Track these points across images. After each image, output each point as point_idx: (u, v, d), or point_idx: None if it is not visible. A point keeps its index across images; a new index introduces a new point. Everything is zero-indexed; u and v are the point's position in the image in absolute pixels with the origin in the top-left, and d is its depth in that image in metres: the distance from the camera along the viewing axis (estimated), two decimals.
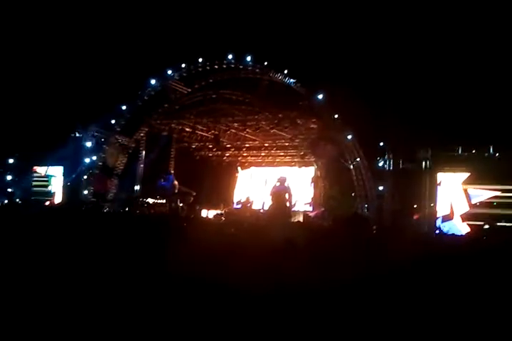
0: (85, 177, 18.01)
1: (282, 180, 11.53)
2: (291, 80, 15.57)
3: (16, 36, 18.91)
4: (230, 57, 16.64)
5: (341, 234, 7.16)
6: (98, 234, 6.56)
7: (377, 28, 17.26)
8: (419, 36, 16.82)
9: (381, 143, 15.84)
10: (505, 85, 15.31)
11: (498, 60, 15.75)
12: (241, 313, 3.46)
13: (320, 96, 15.49)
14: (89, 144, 18.11)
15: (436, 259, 5.18)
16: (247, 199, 17.07)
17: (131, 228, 7.76)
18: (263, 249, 5.52)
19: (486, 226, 12.64)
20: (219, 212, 16.66)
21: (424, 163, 15.14)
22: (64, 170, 19.77)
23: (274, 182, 11.86)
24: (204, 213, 16.90)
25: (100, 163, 18.37)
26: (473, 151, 14.75)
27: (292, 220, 12.85)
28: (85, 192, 18.02)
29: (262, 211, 15.28)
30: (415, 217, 14.69)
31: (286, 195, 11.32)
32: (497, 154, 14.31)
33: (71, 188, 18.69)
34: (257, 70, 16.22)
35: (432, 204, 14.82)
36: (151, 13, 19.38)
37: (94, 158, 18.20)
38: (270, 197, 11.47)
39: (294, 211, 14.00)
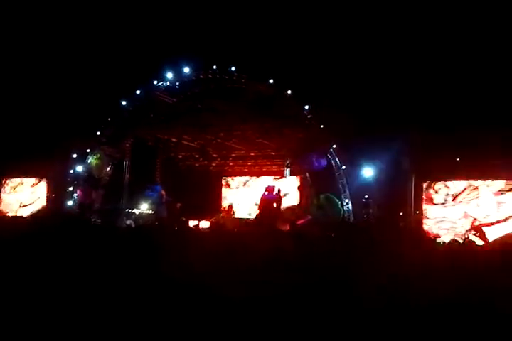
0: (70, 188, 17.85)
1: (271, 189, 11.56)
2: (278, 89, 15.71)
3: None
4: (214, 67, 16.74)
5: (333, 241, 7.16)
6: (82, 245, 6.49)
7: (363, 39, 17.41)
8: (402, 47, 17.00)
9: (367, 152, 15.97)
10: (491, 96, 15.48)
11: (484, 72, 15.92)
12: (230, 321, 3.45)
13: (306, 107, 15.65)
14: (74, 155, 17.98)
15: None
16: (230, 207, 17.07)
17: (117, 239, 7.69)
18: (250, 257, 5.51)
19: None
20: (205, 222, 16.59)
21: (409, 171, 15.28)
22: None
23: (262, 191, 11.89)
24: (191, 223, 16.80)
25: (86, 174, 18.22)
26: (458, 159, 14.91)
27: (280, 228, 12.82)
28: (70, 203, 17.85)
29: (249, 219, 15.29)
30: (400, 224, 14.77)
31: (275, 204, 11.36)
32: None
33: (55, 199, 18.52)
34: (243, 80, 16.28)
35: (417, 212, 14.94)
36: (136, 24, 19.37)
37: (80, 168, 18.06)
38: (258, 206, 11.49)
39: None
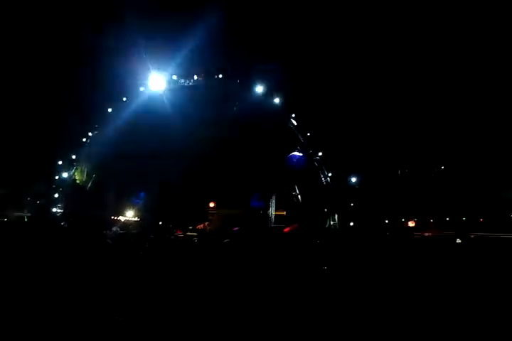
0: (56, 195, 17.67)
1: (258, 197, 11.64)
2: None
3: None
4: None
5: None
6: (68, 250, 6.49)
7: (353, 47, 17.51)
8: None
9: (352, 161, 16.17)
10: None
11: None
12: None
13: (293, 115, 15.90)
14: (60, 162, 17.84)
15: None
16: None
17: (104, 246, 7.70)
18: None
19: None
20: (191, 230, 16.58)
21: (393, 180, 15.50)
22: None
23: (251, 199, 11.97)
24: (179, 231, 16.74)
25: (71, 181, 18.08)
26: None
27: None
28: (54, 209, 17.67)
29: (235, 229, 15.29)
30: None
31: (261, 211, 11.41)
32: None
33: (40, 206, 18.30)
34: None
35: (403, 220, 15.13)
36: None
37: (65, 175, 17.91)
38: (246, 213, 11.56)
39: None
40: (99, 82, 17.59)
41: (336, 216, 15.74)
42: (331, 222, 15.66)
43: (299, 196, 16.75)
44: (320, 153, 16.03)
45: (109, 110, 18.05)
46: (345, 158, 16.27)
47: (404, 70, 16.20)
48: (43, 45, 18.41)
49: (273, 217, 15.89)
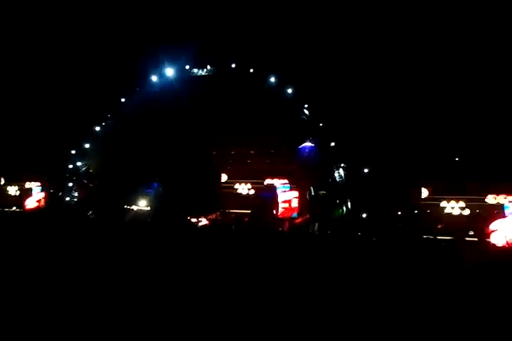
0: (70, 184, 17.84)
1: (269, 188, 11.60)
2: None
3: None
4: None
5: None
6: (81, 238, 6.52)
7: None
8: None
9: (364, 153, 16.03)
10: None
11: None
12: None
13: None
14: (73, 151, 17.98)
15: None
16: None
17: (120, 234, 7.72)
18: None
19: None
20: (203, 219, 16.63)
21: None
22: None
23: (261, 190, 11.94)
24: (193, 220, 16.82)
25: (84, 170, 18.23)
26: None
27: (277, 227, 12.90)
28: (68, 198, 17.86)
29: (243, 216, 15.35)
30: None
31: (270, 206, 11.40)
32: None
33: (54, 195, 18.51)
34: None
35: (415, 211, 14.99)
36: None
37: (79, 164, 18.08)
38: (255, 204, 11.54)
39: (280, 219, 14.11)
40: (111, 71, 17.62)
41: (348, 207, 15.63)
42: (343, 213, 15.57)
43: (311, 187, 16.69)
44: (332, 144, 15.88)
45: (122, 100, 18.10)
46: (359, 149, 16.12)
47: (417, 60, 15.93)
48: (54, 36, 18.48)
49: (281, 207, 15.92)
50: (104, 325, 3.29)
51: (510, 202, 14.67)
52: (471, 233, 13.95)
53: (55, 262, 4.80)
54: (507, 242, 13.76)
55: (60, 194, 18.01)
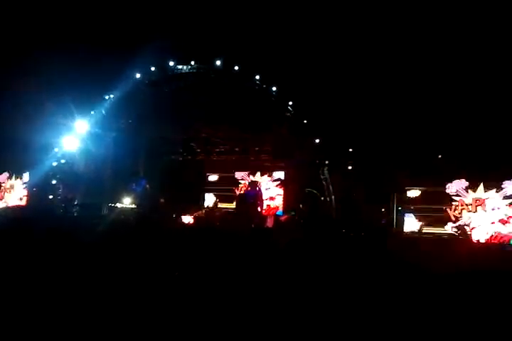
0: (53, 181, 17.66)
1: (253, 185, 11.61)
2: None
3: None
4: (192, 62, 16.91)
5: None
6: (67, 238, 6.49)
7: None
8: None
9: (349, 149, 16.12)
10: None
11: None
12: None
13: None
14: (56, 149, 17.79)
15: None
16: (215, 203, 17.12)
17: (103, 233, 7.69)
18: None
19: None
20: (189, 217, 16.58)
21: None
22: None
23: (245, 187, 11.95)
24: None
25: (68, 167, 18.06)
26: None
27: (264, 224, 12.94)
28: (51, 197, 17.68)
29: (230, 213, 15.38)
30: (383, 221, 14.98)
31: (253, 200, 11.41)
32: None
33: (37, 193, 18.31)
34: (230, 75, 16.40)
35: (399, 208, 15.18)
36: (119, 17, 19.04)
37: (63, 161, 17.91)
38: (238, 201, 11.55)
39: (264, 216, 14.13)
40: (95, 70, 17.42)
41: (333, 205, 15.78)
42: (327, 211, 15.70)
43: (298, 185, 16.80)
44: (317, 140, 15.99)
45: (106, 97, 17.92)
46: (344, 146, 16.21)
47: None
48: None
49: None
50: (90, 327, 3.29)
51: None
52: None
53: (36, 261, 4.78)
54: (491, 237, 13.98)
55: (43, 191, 17.83)
